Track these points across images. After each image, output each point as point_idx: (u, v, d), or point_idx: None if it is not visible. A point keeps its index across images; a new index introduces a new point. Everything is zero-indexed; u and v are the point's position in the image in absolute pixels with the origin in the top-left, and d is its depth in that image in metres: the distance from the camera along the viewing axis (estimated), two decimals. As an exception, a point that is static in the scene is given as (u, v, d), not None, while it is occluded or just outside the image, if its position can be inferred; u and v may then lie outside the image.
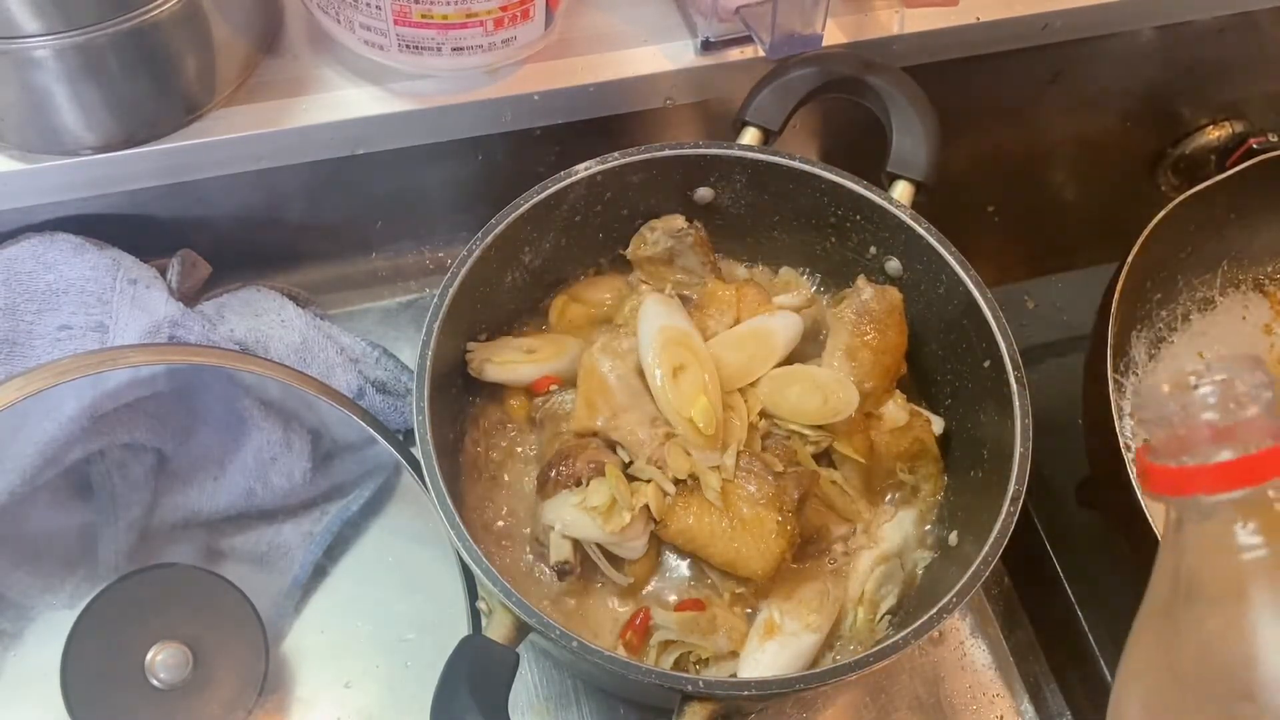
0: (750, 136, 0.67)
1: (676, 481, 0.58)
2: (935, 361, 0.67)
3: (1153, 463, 0.36)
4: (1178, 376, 0.34)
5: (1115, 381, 0.68)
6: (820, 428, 0.61)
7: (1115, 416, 0.63)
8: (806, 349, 0.65)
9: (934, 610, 0.53)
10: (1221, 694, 0.34)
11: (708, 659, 0.59)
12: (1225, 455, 0.34)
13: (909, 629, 0.53)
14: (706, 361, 0.60)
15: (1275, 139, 0.90)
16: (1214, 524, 0.35)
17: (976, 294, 0.61)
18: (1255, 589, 0.34)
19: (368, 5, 0.62)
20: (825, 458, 0.63)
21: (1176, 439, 0.35)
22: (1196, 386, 0.34)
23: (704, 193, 0.68)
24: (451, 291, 0.60)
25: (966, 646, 0.69)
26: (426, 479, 0.55)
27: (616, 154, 0.64)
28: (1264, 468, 0.33)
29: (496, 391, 0.66)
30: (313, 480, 0.66)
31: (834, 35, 0.74)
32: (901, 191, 0.65)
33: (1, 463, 0.58)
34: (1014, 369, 0.59)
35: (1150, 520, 0.59)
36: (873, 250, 0.67)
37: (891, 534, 0.63)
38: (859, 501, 0.63)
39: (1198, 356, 0.79)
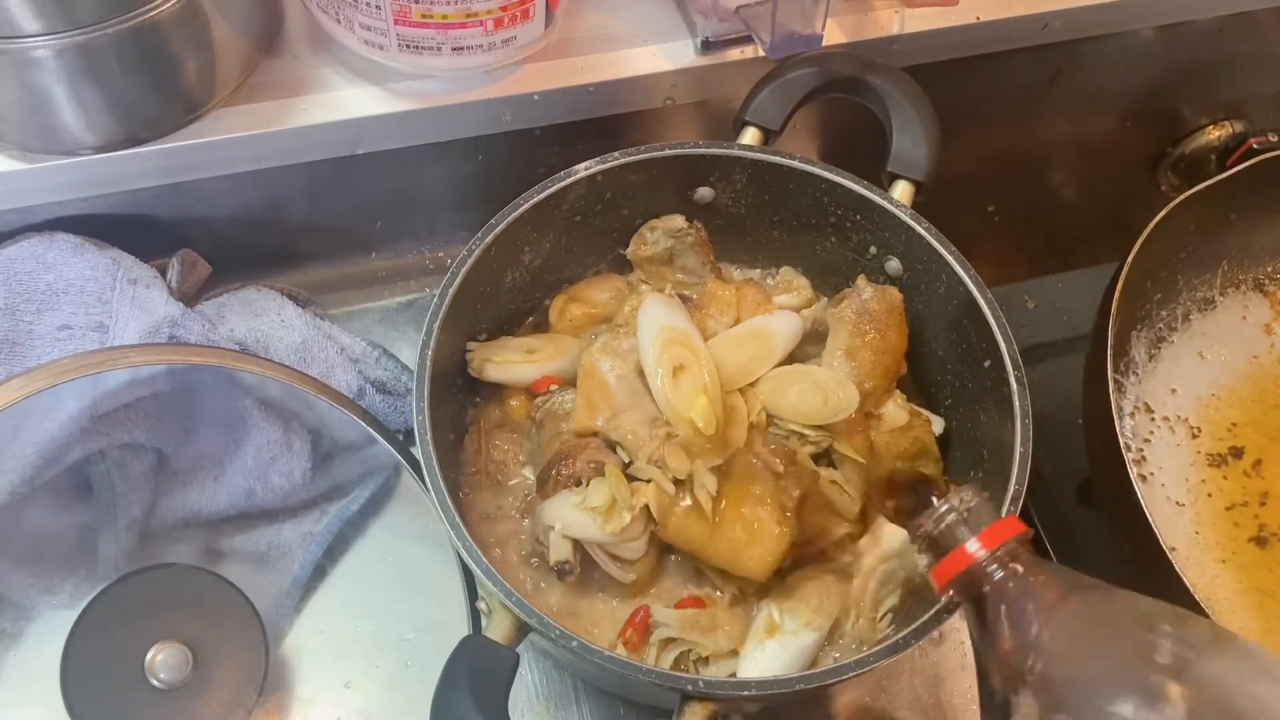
0: (750, 136, 0.67)
1: (676, 481, 0.58)
2: (935, 361, 0.67)
3: (934, 568, 0.50)
4: (929, 511, 0.50)
5: (1115, 381, 0.68)
6: (820, 428, 0.61)
7: (1115, 416, 0.63)
8: (806, 349, 0.65)
9: (934, 610, 0.53)
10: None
11: (707, 657, 0.59)
12: (970, 546, 0.48)
13: (909, 629, 0.53)
14: (706, 361, 0.60)
15: (1275, 139, 0.90)
16: (976, 591, 0.48)
17: (976, 294, 0.61)
18: (1008, 626, 0.47)
19: (368, 5, 0.62)
20: (825, 458, 0.63)
21: (940, 548, 0.49)
22: (940, 510, 0.49)
23: (704, 193, 0.68)
24: (451, 291, 0.60)
25: (967, 647, 0.69)
26: (426, 479, 0.55)
27: (616, 154, 0.64)
28: (987, 541, 0.48)
29: (496, 391, 0.66)
30: (313, 480, 0.66)
31: (834, 35, 0.74)
32: (901, 191, 0.65)
33: (1, 463, 0.58)
34: (1014, 369, 0.59)
35: (1150, 520, 0.59)
36: (873, 250, 0.67)
37: (892, 534, 0.63)
38: (859, 501, 0.63)
39: (1198, 357, 0.79)
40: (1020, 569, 0.48)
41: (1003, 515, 0.49)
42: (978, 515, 0.49)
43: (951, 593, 0.50)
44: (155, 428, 0.62)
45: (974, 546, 0.48)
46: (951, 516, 0.49)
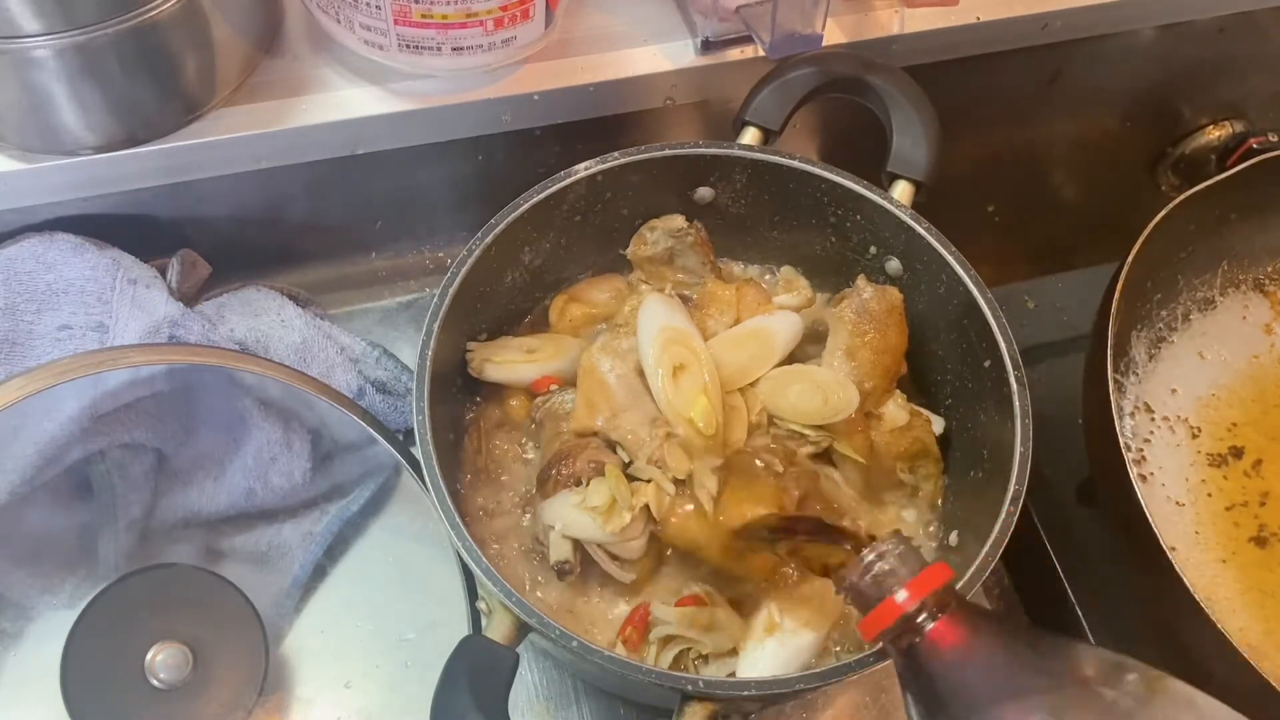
0: (750, 136, 0.67)
1: (676, 481, 0.58)
2: (935, 361, 0.67)
3: (863, 619, 0.48)
4: (858, 561, 0.48)
5: (1115, 381, 0.68)
6: (820, 428, 0.61)
7: (1115, 416, 0.63)
8: (806, 349, 0.65)
9: (934, 610, 0.53)
10: None
11: (707, 655, 0.59)
12: (898, 597, 0.47)
13: (909, 629, 0.53)
14: (706, 361, 0.60)
15: (1275, 139, 0.90)
16: (907, 645, 0.47)
17: (976, 294, 0.61)
18: (938, 677, 0.46)
19: (368, 5, 0.62)
20: (825, 458, 0.63)
21: (867, 600, 0.48)
22: (865, 559, 0.48)
23: (704, 192, 0.68)
24: (451, 291, 0.60)
25: (966, 646, 0.69)
26: (426, 479, 0.55)
27: (616, 154, 0.64)
28: (912, 595, 0.47)
29: (496, 391, 0.66)
30: (313, 480, 0.66)
31: (834, 35, 0.74)
32: (901, 191, 0.65)
33: (1, 463, 0.58)
34: (1014, 369, 0.59)
35: (1150, 520, 0.59)
36: (873, 250, 0.67)
37: (892, 534, 0.63)
38: (859, 502, 0.63)
39: (1198, 357, 0.79)
40: (950, 618, 0.46)
41: (929, 563, 0.47)
42: (905, 564, 0.47)
43: (881, 645, 0.48)
44: (155, 428, 0.62)
45: (902, 597, 0.46)
46: (878, 567, 0.47)
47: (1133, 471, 0.61)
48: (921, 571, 0.47)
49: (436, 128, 0.71)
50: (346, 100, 0.69)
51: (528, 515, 0.63)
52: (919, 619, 0.46)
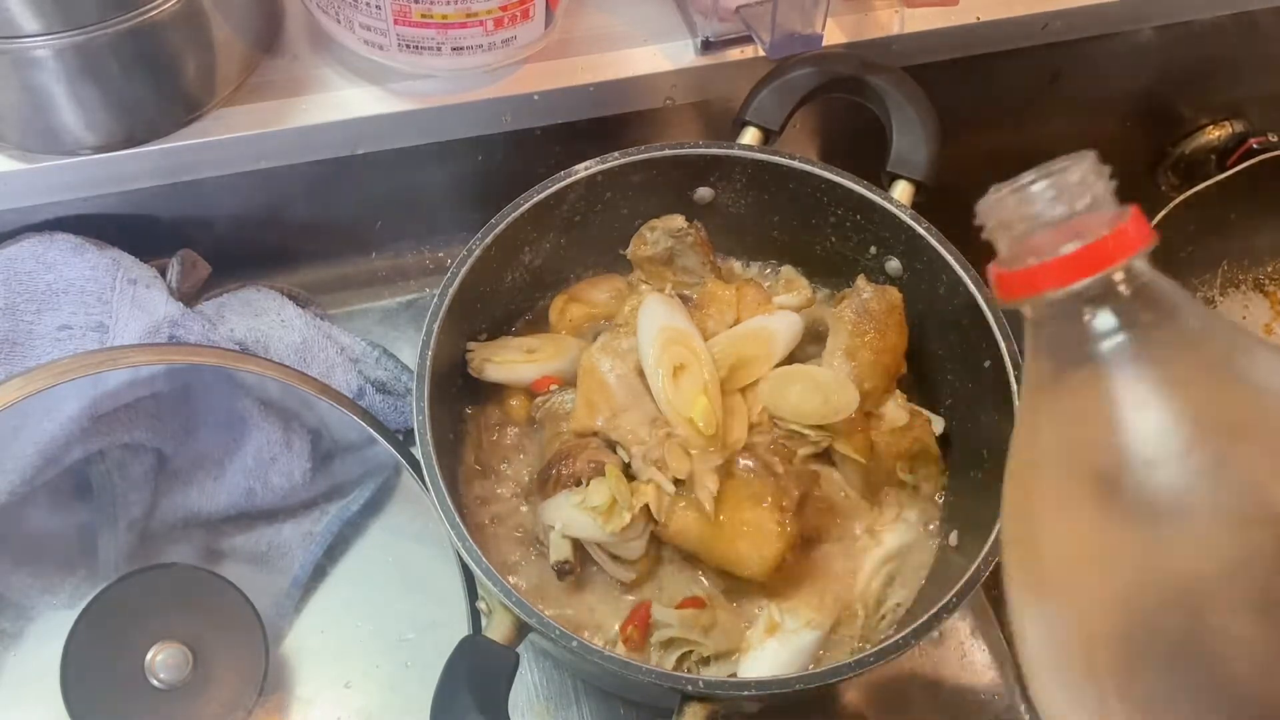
0: (750, 136, 0.67)
1: (676, 481, 0.58)
2: (935, 361, 0.67)
3: (1002, 270, 0.34)
4: (1014, 180, 0.33)
5: (1115, 381, 0.68)
6: (820, 428, 0.61)
7: (1115, 416, 0.63)
8: (806, 349, 0.65)
9: (934, 610, 0.53)
10: (1090, 478, 0.33)
11: (708, 657, 0.59)
12: (1068, 248, 0.32)
13: (909, 629, 0.53)
14: (706, 361, 0.60)
15: (1275, 139, 0.90)
16: (1069, 318, 0.34)
17: (976, 294, 0.61)
18: (1116, 372, 0.33)
19: (368, 5, 0.62)
20: (825, 458, 0.63)
21: (1021, 243, 0.34)
22: (1032, 184, 0.33)
23: (704, 193, 0.68)
24: (451, 291, 0.60)
25: (966, 646, 0.69)
26: (426, 479, 0.55)
27: (616, 154, 0.64)
28: (1104, 255, 0.32)
29: (496, 391, 0.66)
30: (313, 480, 0.66)
31: (834, 35, 0.74)
32: (901, 191, 0.65)
33: (1, 463, 0.58)
34: (1014, 369, 0.59)
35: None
36: (873, 250, 0.67)
37: (892, 534, 0.63)
38: (859, 502, 0.63)
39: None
40: (1142, 299, 0.32)
41: (1128, 213, 0.32)
42: (1088, 203, 0.33)
43: (1028, 311, 0.34)
44: (155, 428, 0.62)
45: (1080, 254, 0.32)
46: (1048, 197, 0.33)
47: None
48: (1117, 223, 0.32)
49: (436, 128, 0.71)
50: (346, 100, 0.69)
51: (528, 515, 0.63)
52: (1094, 294, 0.33)
